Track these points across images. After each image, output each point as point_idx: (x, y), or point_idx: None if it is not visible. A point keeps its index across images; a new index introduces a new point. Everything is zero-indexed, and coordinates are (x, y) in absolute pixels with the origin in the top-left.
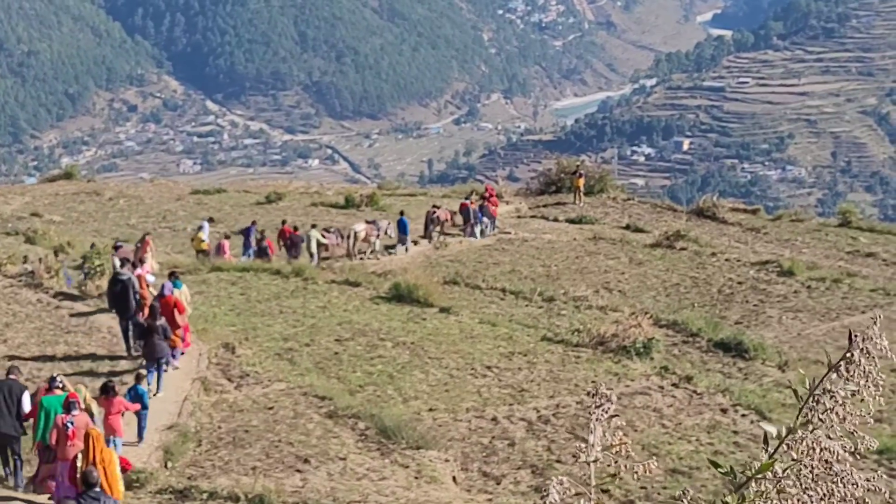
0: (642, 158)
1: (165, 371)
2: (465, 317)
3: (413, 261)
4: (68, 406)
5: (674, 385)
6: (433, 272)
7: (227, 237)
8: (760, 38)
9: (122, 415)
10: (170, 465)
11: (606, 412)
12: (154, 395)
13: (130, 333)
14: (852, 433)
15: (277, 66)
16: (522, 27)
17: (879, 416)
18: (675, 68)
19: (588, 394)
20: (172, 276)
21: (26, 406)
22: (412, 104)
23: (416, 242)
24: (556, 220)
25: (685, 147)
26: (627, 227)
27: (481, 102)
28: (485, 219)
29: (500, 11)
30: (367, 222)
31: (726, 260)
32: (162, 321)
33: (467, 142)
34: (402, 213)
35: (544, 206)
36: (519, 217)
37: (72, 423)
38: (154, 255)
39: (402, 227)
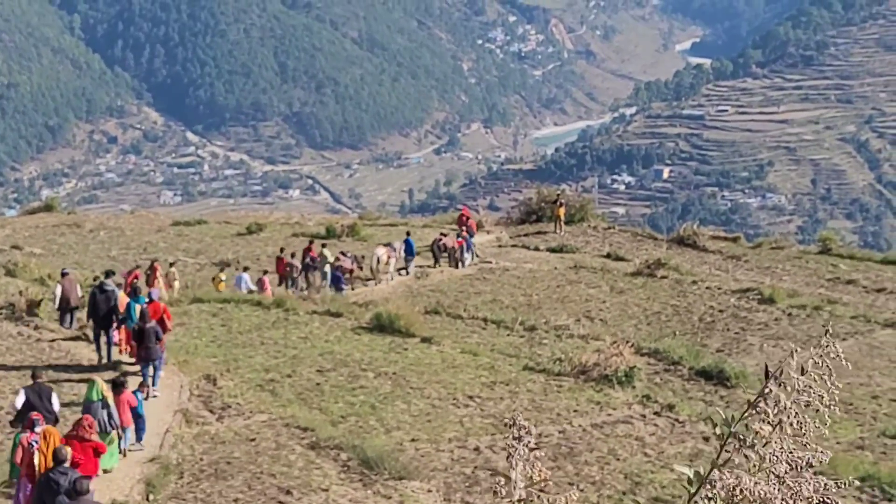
0: (623, 187)
1: (160, 372)
2: (447, 347)
3: (394, 291)
4: (32, 424)
5: (656, 413)
6: (414, 302)
7: (265, 272)
8: (739, 66)
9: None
10: (151, 497)
11: (527, 446)
12: (149, 397)
13: (105, 343)
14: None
15: (258, 96)
16: (502, 56)
17: (861, 442)
18: (654, 97)
19: (507, 425)
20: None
21: (56, 405)
22: (392, 134)
23: (400, 272)
24: (536, 249)
25: (665, 175)
26: (608, 256)
27: (461, 132)
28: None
29: (480, 41)
30: (385, 245)
31: (707, 288)
32: (153, 324)
33: (448, 171)
34: (407, 234)
35: (525, 235)
36: (500, 246)
37: (36, 443)
38: (174, 280)
39: (408, 249)
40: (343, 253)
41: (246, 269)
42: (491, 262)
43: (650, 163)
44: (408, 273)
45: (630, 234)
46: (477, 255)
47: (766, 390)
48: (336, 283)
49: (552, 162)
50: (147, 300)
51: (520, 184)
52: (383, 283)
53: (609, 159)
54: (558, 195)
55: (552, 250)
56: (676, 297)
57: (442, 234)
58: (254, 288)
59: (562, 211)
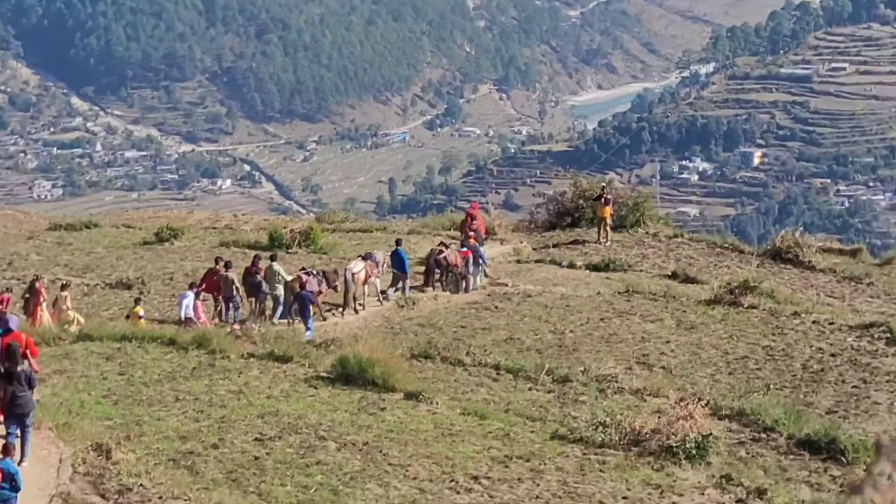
0: (695, 177)
1: (29, 430)
2: (442, 406)
3: (367, 325)
4: None
5: (740, 501)
6: (396, 341)
7: (194, 290)
8: (861, 6)
9: None
10: None
11: None
12: (19, 463)
13: None
14: None
15: (172, 46)
16: None
17: None
18: (740, 49)
19: None
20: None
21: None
22: (366, 101)
23: (383, 296)
24: (572, 265)
25: (756, 161)
26: (674, 276)
27: (465, 97)
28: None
29: None
30: (363, 258)
31: (814, 322)
32: (25, 366)
33: (445, 154)
34: (397, 244)
35: (555, 245)
36: (519, 262)
37: None
38: (66, 309)
39: (398, 263)
40: (307, 270)
41: (192, 285)
42: (506, 285)
43: (734, 143)
44: (386, 299)
45: (705, 244)
46: (486, 275)
47: (878, 471)
48: (302, 312)
49: (595, 141)
50: (5, 330)
51: (548, 172)
52: (355, 311)
53: (676, 138)
54: (603, 189)
55: (594, 268)
56: (771, 336)
57: (442, 244)
58: (288, 278)
59: (607, 211)
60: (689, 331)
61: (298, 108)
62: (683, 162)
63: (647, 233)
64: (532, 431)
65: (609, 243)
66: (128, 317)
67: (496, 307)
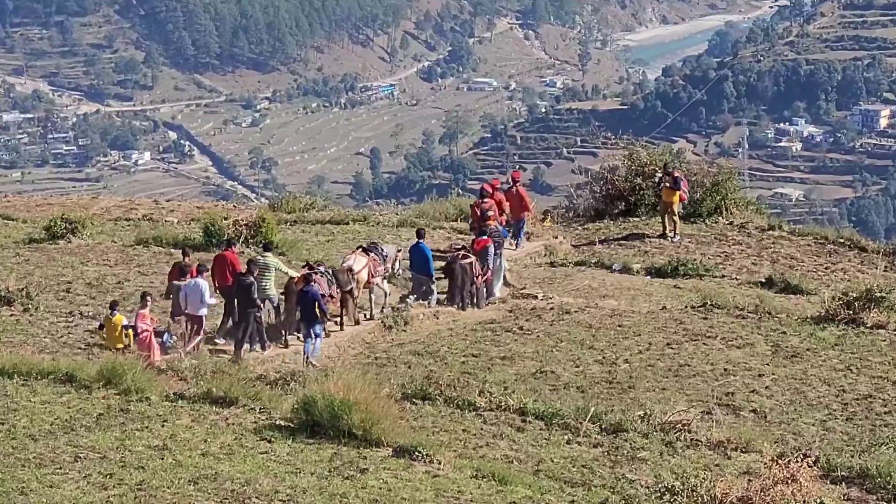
0: (797, 146)
1: None
2: (447, 465)
3: (342, 353)
4: None
5: None
6: (382, 376)
7: (144, 302)
8: None
9: None
10: None
11: None
12: None
13: None
14: None
15: None
16: None
17: None
18: None
19: None
20: None
21: None
22: (338, 41)
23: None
24: (626, 270)
25: (883, 123)
26: (769, 285)
27: (476, 36)
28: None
29: None
30: (365, 250)
31: None
32: None
33: (449, 115)
34: (419, 236)
35: (603, 242)
36: (553, 265)
37: None
38: None
39: (420, 261)
40: (311, 266)
41: (201, 270)
42: (535, 297)
43: (853, 98)
44: (409, 306)
45: (812, 240)
46: (507, 282)
47: None
48: (308, 319)
49: (657, 96)
50: None
51: (593, 139)
52: (356, 323)
53: (772, 92)
54: (667, 165)
55: (658, 273)
56: None
57: (460, 246)
58: (214, 303)
59: (675, 196)
60: (791, 360)
61: (244, 52)
62: (782, 125)
63: (730, 224)
64: (572, 501)
65: (678, 238)
66: (101, 327)
67: (521, 328)
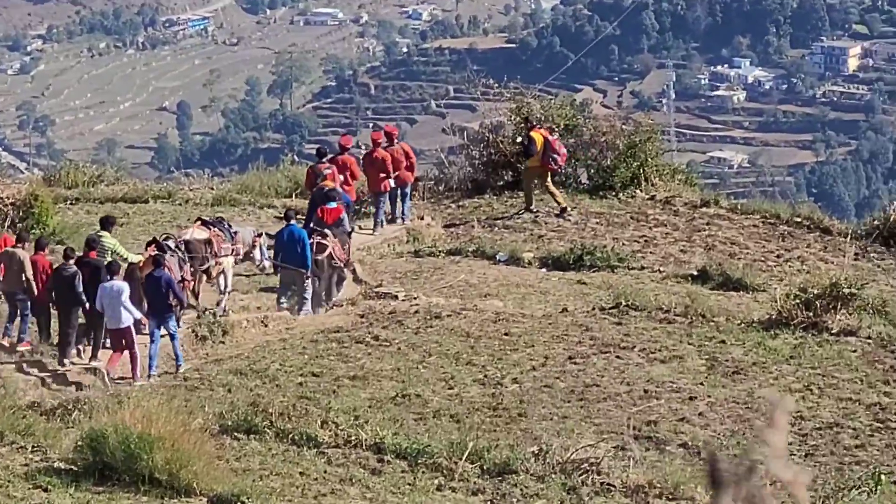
0: (740, 95)
1: None
2: None
3: (141, 372)
4: None
5: None
6: (194, 402)
7: None
8: None
9: None
10: None
11: None
12: None
13: None
14: None
15: None
16: None
17: None
18: None
19: None
20: None
21: None
22: None
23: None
24: (515, 259)
25: (852, 65)
26: (703, 278)
27: None
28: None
29: None
30: (206, 223)
31: None
32: None
33: (280, 57)
34: (287, 218)
35: (486, 222)
36: (418, 254)
37: None
38: None
39: (292, 248)
40: (160, 243)
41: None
42: (395, 297)
43: (812, 32)
44: (282, 307)
45: (760, 219)
46: (356, 276)
47: None
48: (159, 311)
49: (555, 30)
50: None
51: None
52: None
53: (705, 23)
54: (528, 116)
55: (556, 264)
56: (882, 385)
57: (316, 230)
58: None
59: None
60: (732, 378)
61: None
62: (719, 68)
63: (652, 199)
64: None
65: (560, 213)
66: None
67: (377, 338)
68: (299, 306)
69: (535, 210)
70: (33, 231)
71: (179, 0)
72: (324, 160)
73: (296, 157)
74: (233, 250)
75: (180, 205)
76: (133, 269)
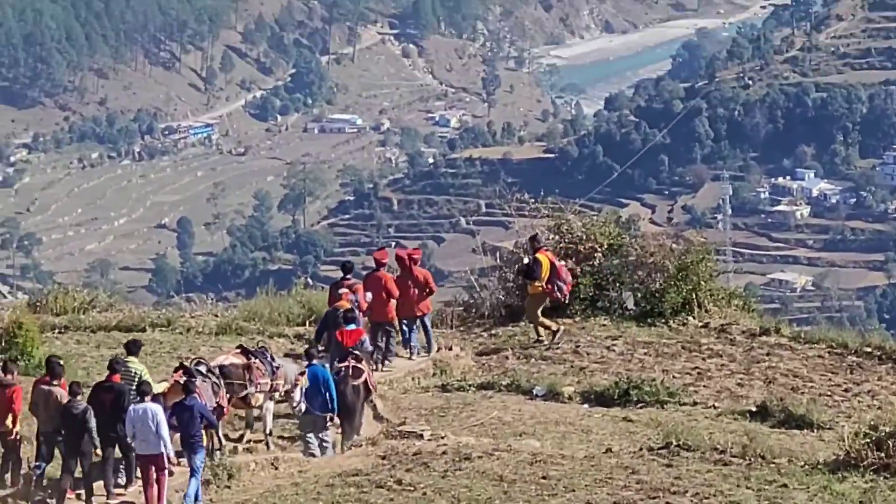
0: (804, 210)
1: None
2: None
3: None
4: None
5: None
6: None
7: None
8: None
9: None
10: None
11: None
12: None
13: None
14: None
15: None
16: None
17: None
18: None
19: None
20: None
21: None
22: (128, 60)
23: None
24: (553, 394)
25: None
26: (763, 415)
27: (332, 52)
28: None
29: None
30: (246, 352)
31: None
32: None
33: (292, 168)
34: (310, 355)
35: (521, 352)
36: (446, 388)
37: None
38: None
39: (319, 386)
40: (189, 367)
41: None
42: (421, 436)
43: (883, 140)
44: (310, 450)
45: (826, 348)
46: (377, 411)
47: None
48: (191, 444)
49: (598, 138)
50: None
51: (502, 202)
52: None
53: (765, 131)
54: (535, 236)
55: (600, 399)
56: None
57: (354, 356)
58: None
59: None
60: None
61: None
62: (780, 179)
63: (705, 326)
64: None
65: (554, 340)
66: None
67: (400, 482)
68: (321, 452)
69: (557, 341)
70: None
71: (180, 105)
72: (349, 276)
73: (310, 280)
74: (272, 386)
75: (181, 334)
76: (157, 399)
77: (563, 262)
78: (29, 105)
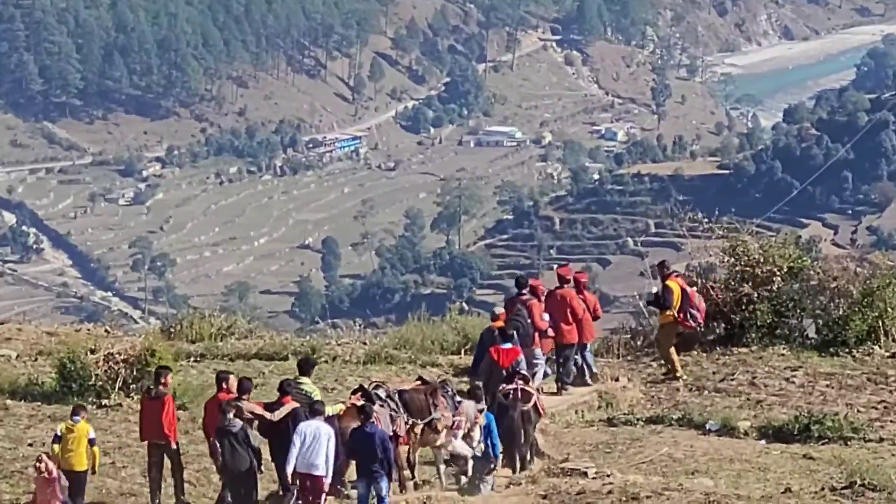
0: None
1: None
2: None
3: None
4: None
5: None
6: None
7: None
8: None
9: None
10: None
11: None
12: None
13: None
14: None
15: None
16: None
17: None
18: None
19: None
20: None
21: None
22: (269, 68)
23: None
24: (728, 429)
25: None
26: None
27: (489, 59)
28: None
29: None
30: (425, 384)
31: None
32: None
33: (446, 184)
34: (476, 395)
35: (694, 384)
36: (612, 421)
37: None
38: None
39: (491, 429)
40: (366, 391)
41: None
42: (585, 472)
43: None
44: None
45: None
46: (536, 448)
47: None
48: (369, 472)
49: (776, 153)
50: None
51: (673, 221)
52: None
53: None
54: (664, 262)
55: (777, 434)
56: None
57: (519, 376)
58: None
59: (668, 317)
60: None
61: (122, 85)
62: None
63: (893, 356)
64: None
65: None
66: (57, 439)
67: None
68: (477, 489)
69: (680, 376)
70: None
71: (325, 116)
72: (524, 292)
73: (465, 306)
74: (454, 423)
75: (326, 362)
76: (333, 420)
77: (693, 289)
78: (163, 116)
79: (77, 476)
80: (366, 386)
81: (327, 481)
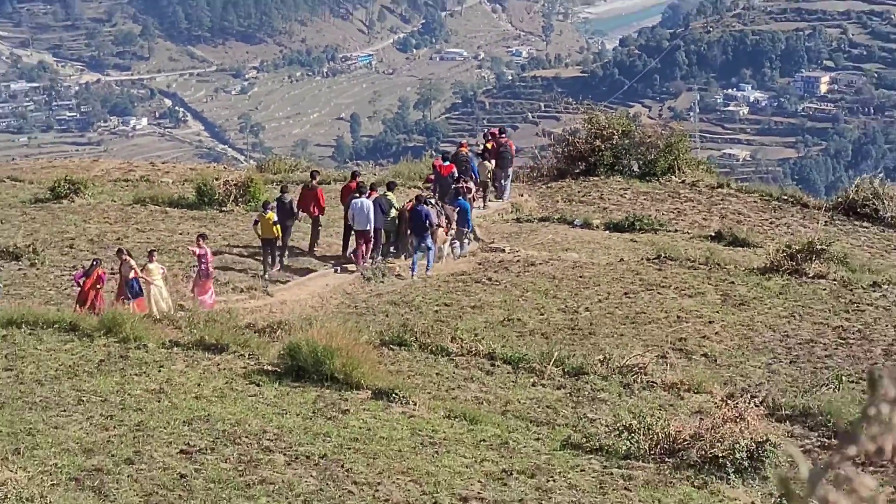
0: (744, 110)
1: None
2: (422, 406)
3: (324, 304)
4: None
5: None
6: (361, 324)
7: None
8: None
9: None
10: None
11: None
12: None
13: None
14: None
15: None
16: None
17: None
18: None
19: None
20: None
21: None
22: (320, 15)
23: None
24: (587, 225)
25: (822, 89)
26: (718, 238)
27: (448, 9)
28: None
29: None
30: (425, 204)
31: None
32: None
33: (423, 83)
34: (459, 189)
35: (566, 199)
36: (519, 220)
37: None
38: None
39: (416, 220)
40: (426, 201)
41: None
42: (503, 250)
43: (795, 66)
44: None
45: (758, 196)
46: (476, 237)
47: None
48: (419, 232)
49: (615, 64)
50: None
51: (555, 105)
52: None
53: (720, 60)
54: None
55: (616, 228)
56: (843, 314)
57: (422, 199)
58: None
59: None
60: (739, 308)
61: (234, 25)
62: (730, 91)
63: (682, 182)
64: (537, 439)
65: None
66: (256, 223)
67: (490, 279)
68: (459, 248)
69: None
70: (251, 203)
71: (352, 42)
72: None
73: (433, 153)
74: (444, 229)
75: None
76: (402, 211)
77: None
78: (257, 42)
79: (271, 241)
80: (421, 195)
81: (371, 235)
